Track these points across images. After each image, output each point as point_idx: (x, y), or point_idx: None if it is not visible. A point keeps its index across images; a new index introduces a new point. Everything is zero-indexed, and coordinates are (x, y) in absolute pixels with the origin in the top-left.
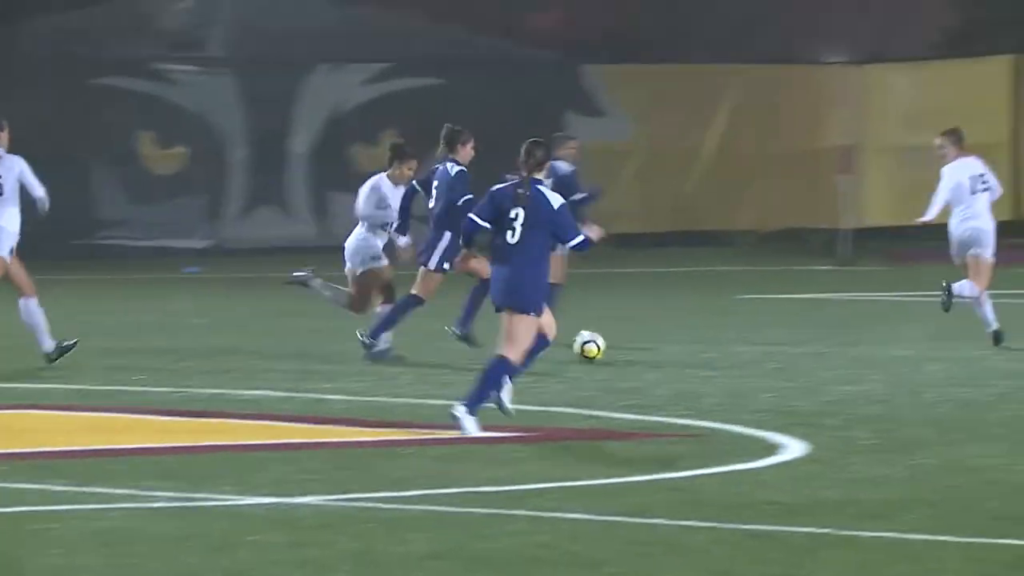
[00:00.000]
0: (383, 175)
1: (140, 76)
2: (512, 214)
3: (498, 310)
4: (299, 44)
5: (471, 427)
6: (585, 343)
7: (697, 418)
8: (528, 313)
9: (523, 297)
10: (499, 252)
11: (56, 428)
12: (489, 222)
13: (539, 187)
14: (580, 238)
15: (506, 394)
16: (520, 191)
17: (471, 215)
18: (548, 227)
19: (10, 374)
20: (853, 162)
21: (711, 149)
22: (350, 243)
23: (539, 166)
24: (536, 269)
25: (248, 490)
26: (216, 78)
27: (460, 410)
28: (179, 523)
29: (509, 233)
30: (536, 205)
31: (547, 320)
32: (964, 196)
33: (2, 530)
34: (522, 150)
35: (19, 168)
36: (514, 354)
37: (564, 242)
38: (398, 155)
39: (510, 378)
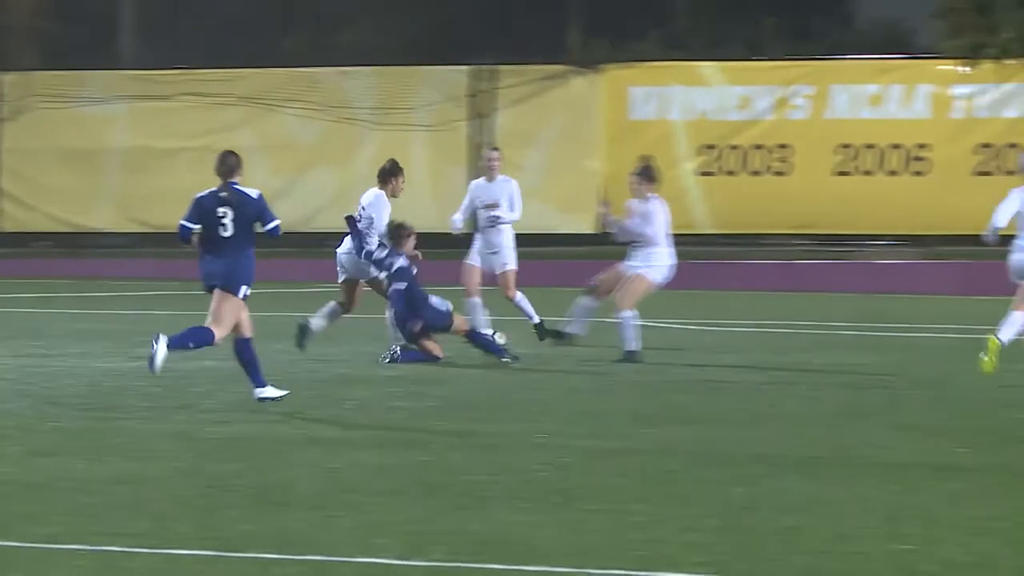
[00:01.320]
0: (382, 192)
1: None
2: (219, 213)
3: (210, 290)
4: None
5: (161, 354)
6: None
7: None
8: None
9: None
10: (213, 245)
11: None
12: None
13: (237, 187)
14: (275, 223)
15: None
16: (224, 194)
17: (182, 221)
18: (253, 217)
19: None
20: None
21: None
22: (344, 253)
23: (231, 171)
24: (245, 257)
25: None
26: None
27: (162, 340)
28: None
29: (221, 229)
30: (241, 202)
31: (245, 318)
32: None
33: None
34: (216, 159)
35: None
36: (219, 332)
37: (264, 224)
38: (394, 172)
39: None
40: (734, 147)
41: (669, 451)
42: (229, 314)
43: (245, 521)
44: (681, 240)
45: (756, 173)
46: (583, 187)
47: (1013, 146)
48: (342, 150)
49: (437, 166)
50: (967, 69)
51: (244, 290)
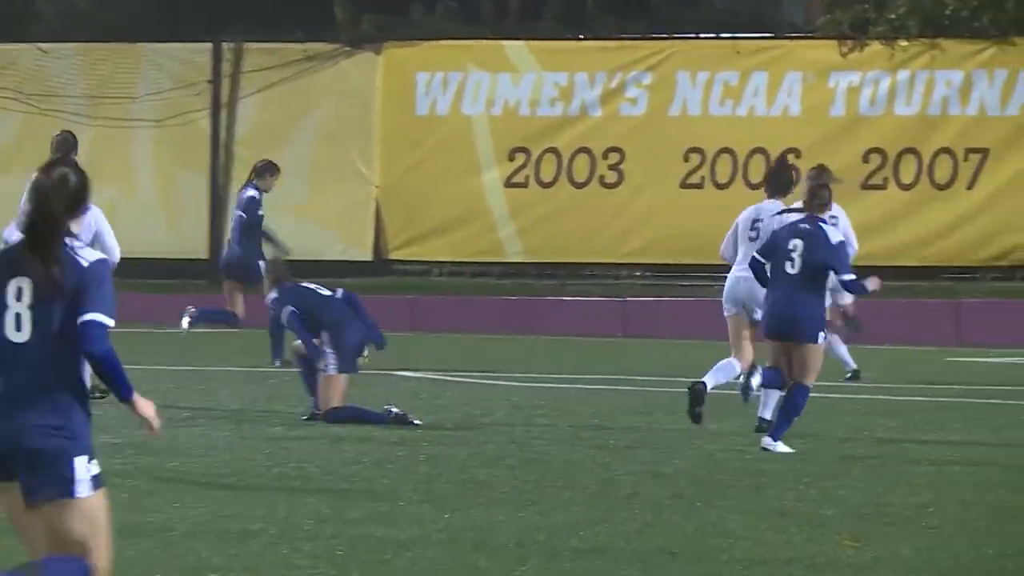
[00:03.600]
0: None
1: None
2: (790, 245)
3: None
4: None
5: (784, 448)
6: None
7: None
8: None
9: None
10: (777, 281)
11: None
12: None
13: (821, 222)
14: (851, 276)
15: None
16: (805, 226)
17: (754, 254)
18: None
19: None
20: None
21: None
22: None
23: (823, 206)
24: (811, 300)
25: None
26: None
27: (768, 441)
28: None
29: (788, 264)
30: (814, 237)
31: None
32: None
33: None
34: (807, 191)
35: None
36: (810, 380)
37: (837, 274)
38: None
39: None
40: (551, 150)
41: (476, 542)
42: (817, 361)
43: None
44: (486, 270)
45: (580, 185)
46: (355, 200)
47: (911, 151)
48: (46, 149)
49: (169, 172)
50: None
51: (821, 336)
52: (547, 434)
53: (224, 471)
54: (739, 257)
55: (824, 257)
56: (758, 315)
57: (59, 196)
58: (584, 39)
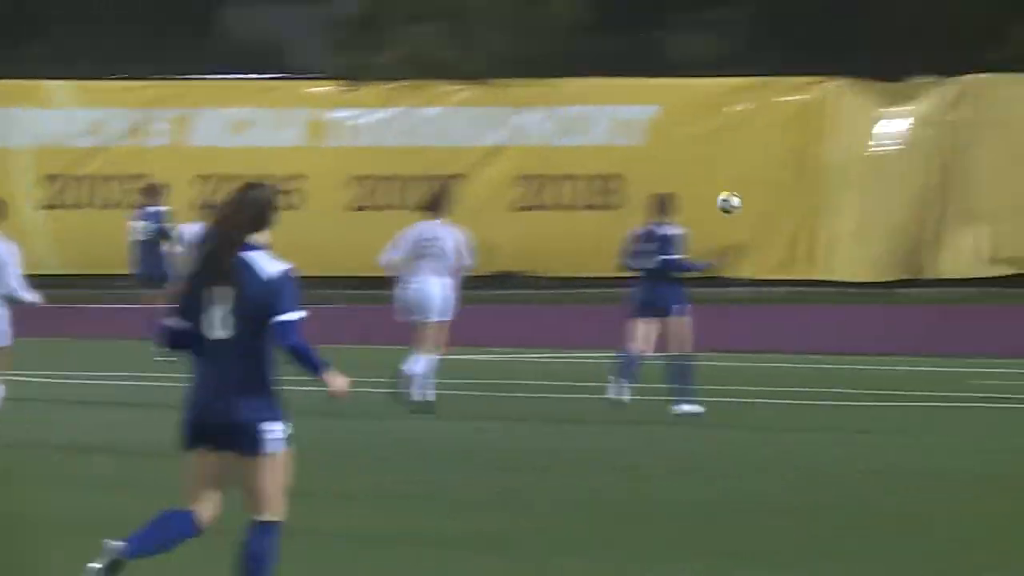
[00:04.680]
0: None
1: None
2: (648, 247)
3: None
4: None
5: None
6: None
7: None
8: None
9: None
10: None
11: None
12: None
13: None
14: (677, 259)
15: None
16: (654, 230)
17: (626, 261)
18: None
19: None
20: None
21: None
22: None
23: (668, 212)
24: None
25: None
26: None
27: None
28: None
29: (647, 260)
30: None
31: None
32: None
33: None
34: (656, 201)
35: None
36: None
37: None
38: None
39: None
40: (81, 177)
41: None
42: (689, 330)
43: None
44: (34, 283)
45: (111, 206)
46: None
47: (394, 178)
48: None
49: None
50: (346, 91)
51: (688, 309)
52: (133, 425)
53: None
54: (413, 269)
55: (670, 247)
56: (430, 318)
57: (239, 215)
58: (115, 79)
